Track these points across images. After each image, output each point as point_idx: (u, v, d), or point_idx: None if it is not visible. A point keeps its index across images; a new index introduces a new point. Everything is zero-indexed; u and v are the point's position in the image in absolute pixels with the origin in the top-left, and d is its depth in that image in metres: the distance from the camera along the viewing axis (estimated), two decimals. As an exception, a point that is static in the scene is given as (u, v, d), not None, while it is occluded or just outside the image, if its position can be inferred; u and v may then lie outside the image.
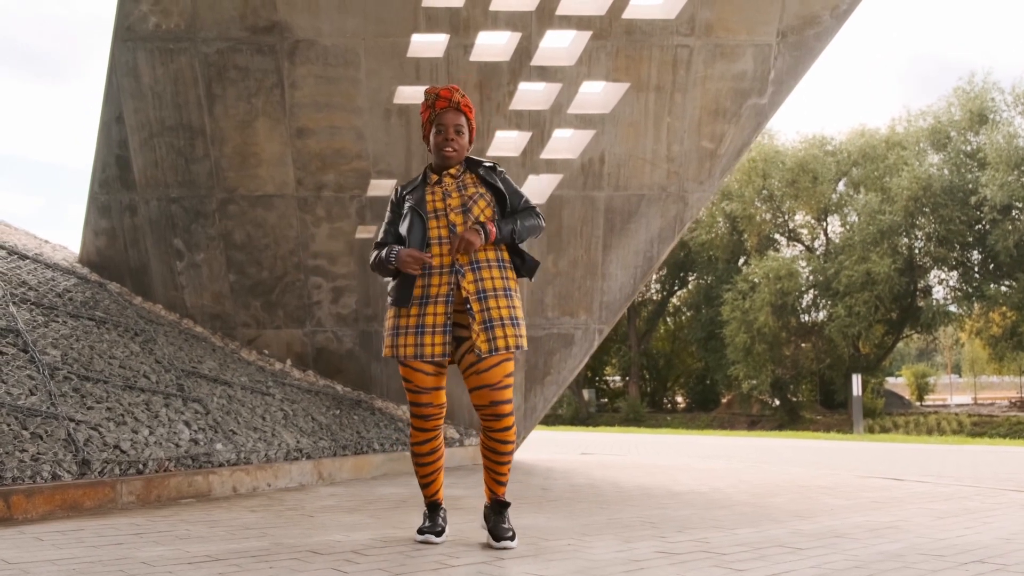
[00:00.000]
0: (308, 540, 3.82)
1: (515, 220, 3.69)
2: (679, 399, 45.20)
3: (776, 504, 5.31)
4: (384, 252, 3.65)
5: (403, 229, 3.68)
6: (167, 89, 7.39)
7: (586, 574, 3.14)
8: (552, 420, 37.14)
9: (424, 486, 3.82)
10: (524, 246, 3.84)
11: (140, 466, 5.05)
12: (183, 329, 7.63)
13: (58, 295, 6.91)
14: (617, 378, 45.43)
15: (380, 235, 3.81)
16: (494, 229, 3.60)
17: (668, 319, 43.85)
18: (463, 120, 3.75)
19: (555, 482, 6.63)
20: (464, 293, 3.56)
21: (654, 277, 41.60)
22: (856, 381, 22.83)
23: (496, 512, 3.74)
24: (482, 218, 3.64)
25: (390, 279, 3.72)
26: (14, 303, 6.31)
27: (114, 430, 5.22)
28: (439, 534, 3.75)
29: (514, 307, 3.63)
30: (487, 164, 3.82)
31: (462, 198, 3.67)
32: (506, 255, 3.70)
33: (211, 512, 4.70)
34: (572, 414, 38.41)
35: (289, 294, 8.18)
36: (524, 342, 3.62)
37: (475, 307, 3.55)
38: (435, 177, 3.77)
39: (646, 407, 39.88)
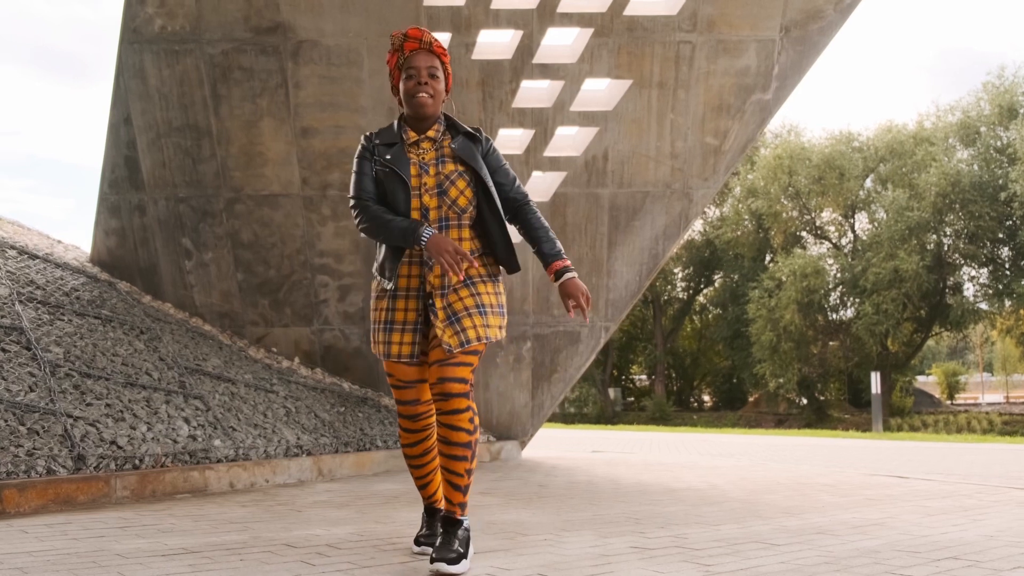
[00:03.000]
0: (287, 534, 3.86)
1: (548, 233, 3.29)
2: (706, 398, 45.04)
3: (769, 501, 5.29)
4: (408, 224, 3.11)
5: (382, 190, 3.23)
6: (173, 90, 7.49)
7: (551, 568, 3.15)
8: (578, 419, 37.19)
9: (421, 487, 3.48)
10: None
11: (136, 461, 5.12)
12: (191, 327, 7.72)
13: (65, 294, 7.02)
14: (643, 377, 45.32)
15: (354, 188, 3.27)
16: (566, 261, 3.27)
17: (694, 317, 43.68)
18: (437, 63, 3.27)
19: (554, 479, 6.64)
20: (428, 287, 3.20)
21: (680, 275, 41.45)
22: (875, 379, 22.61)
23: (445, 529, 3.14)
24: (461, 201, 3.20)
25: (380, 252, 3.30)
26: (20, 302, 6.42)
27: (112, 426, 5.30)
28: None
29: (478, 294, 3.19)
30: (469, 130, 3.33)
31: (438, 177, 3.20)
32: (477, 244, 3.27)
33: (202, 507, 4.76)
34: (598, 413, 38.41)
35: (296, 292, 8.25)
36: (494, 333, 3.17)
37: (437, 303, 3.16)
38: (412, 135, 3.27)
39: (672, 406, 39.77)
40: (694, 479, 6.69)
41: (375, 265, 3.33)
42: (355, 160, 3.31)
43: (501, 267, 3.36)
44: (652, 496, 5.54)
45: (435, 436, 3.35)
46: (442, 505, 3.39)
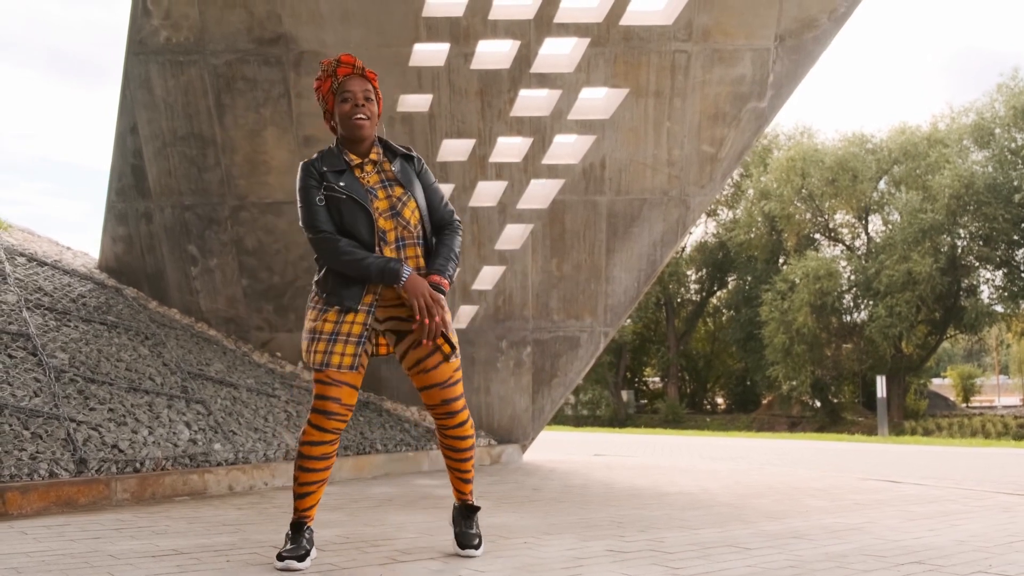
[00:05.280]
0: (276, 536, 3.98)
1: (450, 253, 3.41)
2: (719, 400, 45.00)
3: (755, 505, 5.38)
4: (385, 264, 3.23)
5: (338, 218, 3.30)
6: (178, 100, 7.65)
7: (524, 570, 3.26)
8: (590, 421, 37.24)
9: (300, 496, 3.35)
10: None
11: (137, 465, 5.27)
12: (196, 332, 7.88)
13: (72, 300, 7.19)
14: (656, 379, 45.34)
15: (310, 221, 3.32)
16: (447, 283, 3.35)
17: (707, 319, 43.67)
18: (370, 87, 3.39)
19: (550, 483, 6.75)
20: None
21: (692, 277, 41.45)
22: (881, 383, 22.63)
23: (464, 516, 3.59)
24: (413, 220, 3.35)
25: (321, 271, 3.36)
26: (28, 308, 6.59)
27: (114, 430, 5.45)
28: (302, 558, 3.26)
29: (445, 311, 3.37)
30: (403, 151, 3.48)
31: (390, 200, 3.34)
32: (423, 262, 3.40)
33: (199, 509, 4.90)
34: (611, 415, 38.45)
35: (300, 298, 8.39)
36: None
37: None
38: (355, 158, 3.37)
39: (685, 408, 39.77)
40: (687, 483, 6.78)
41: (318, 284, 3.37)
42: (299, 191, 3.35)
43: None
44: (641, 500, 5.65)
45: (335, 449, 3.36)
46: (313, 518, 3.40)
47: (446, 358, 3.36)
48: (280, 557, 3.23)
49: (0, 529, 4.12)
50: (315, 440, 3.29)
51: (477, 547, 3.52)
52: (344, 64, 3.37)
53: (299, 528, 3.34)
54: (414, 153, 3.51)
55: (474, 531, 3.57)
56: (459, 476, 3.57)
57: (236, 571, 3.21)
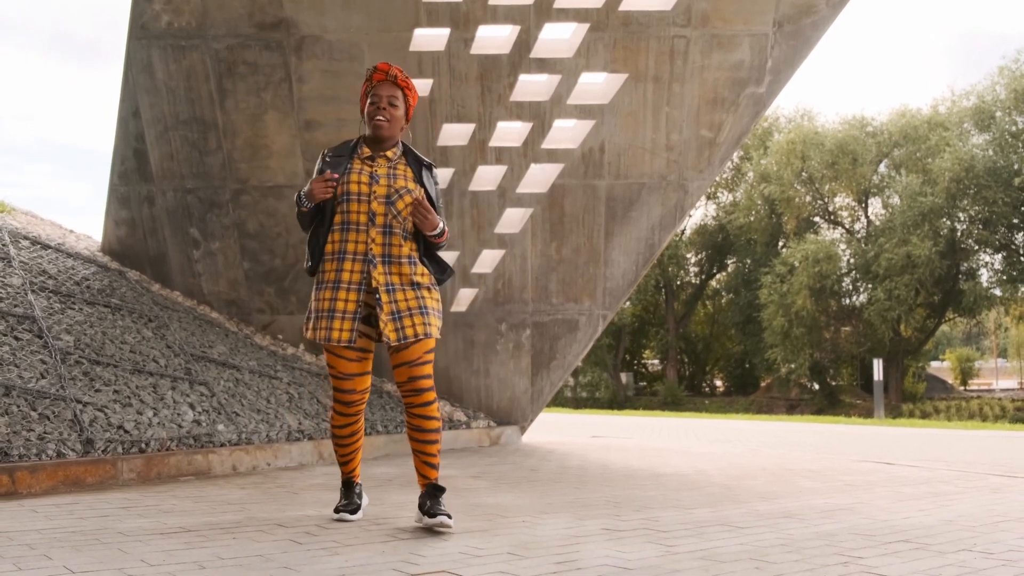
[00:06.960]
0: (280, 515, 4.08)
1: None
2: (718, 383, 45.17)
3: (748, 486, 5.48)
4: (296, 197, 3.71)
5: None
6: (180, 85, 7.71)
7: (521, 547, 3.36)
8: (589, 403, 37.41)
9: (342, 464, 3.99)
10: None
11: (142, 445, 5.37)
12: (198, 315, 7.97)
13: (76, 283, 7.28)
14: (656, 361, 45.49)
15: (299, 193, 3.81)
16: (439, 222, 3.70)
17: (707, 302, 43.78)
18: (399, 93, 3.78)
19: (547, 463, 6.85)
20: (374, 283, 3.65)
21: (692, 260, 41.52)
22: (877, 366, 22.76)
23: (431, 496, 3.70)
24: (404, 213, 3.69)
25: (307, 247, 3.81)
26: (33, 291, 6.68)
27: (119, 411, 5.55)
28: (354, 512, 3.91)
29: (423, 298, 3.69)
30: (425, 161, 3.86)
31: (389, 188, 3.69)
32: (415, 253, 3.76)
33: (203, 489, 5.00)
34: (610, 397, 38.63)
35: (301, 281, 8.48)
36: (433, 331, 3.68)
37: (384, 298, 3.64)
38: (367, 152, 3.78)
39: (684, 391, 39.93)
40: (683, 464, 6.89)
41: (308, 264, 3.80)
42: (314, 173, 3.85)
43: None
44: (637, 480, 5.75)
45: (361, 422, 3.96)
46: (358, 478, 4.06)
47: (397, 340, 3.62)
48: (336, 510, 3.89)
49: (11, 507, 4.22)
50: (341, 423, 3.93)
51: (449, 516, 3.61)
52: (379, 71, 3.77)
53: (349, 486, 4.01)
54: (430, 163, 3.88)
55: (442, 506, 3.66)
56: (424, 460, 3.77)
57: (242, 547, 3.30)
